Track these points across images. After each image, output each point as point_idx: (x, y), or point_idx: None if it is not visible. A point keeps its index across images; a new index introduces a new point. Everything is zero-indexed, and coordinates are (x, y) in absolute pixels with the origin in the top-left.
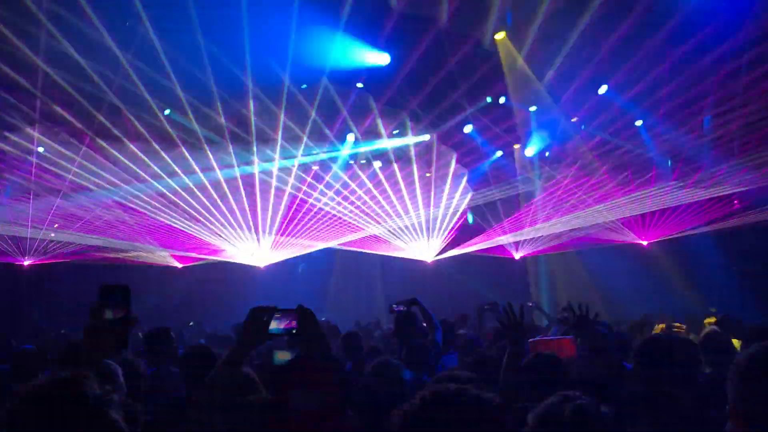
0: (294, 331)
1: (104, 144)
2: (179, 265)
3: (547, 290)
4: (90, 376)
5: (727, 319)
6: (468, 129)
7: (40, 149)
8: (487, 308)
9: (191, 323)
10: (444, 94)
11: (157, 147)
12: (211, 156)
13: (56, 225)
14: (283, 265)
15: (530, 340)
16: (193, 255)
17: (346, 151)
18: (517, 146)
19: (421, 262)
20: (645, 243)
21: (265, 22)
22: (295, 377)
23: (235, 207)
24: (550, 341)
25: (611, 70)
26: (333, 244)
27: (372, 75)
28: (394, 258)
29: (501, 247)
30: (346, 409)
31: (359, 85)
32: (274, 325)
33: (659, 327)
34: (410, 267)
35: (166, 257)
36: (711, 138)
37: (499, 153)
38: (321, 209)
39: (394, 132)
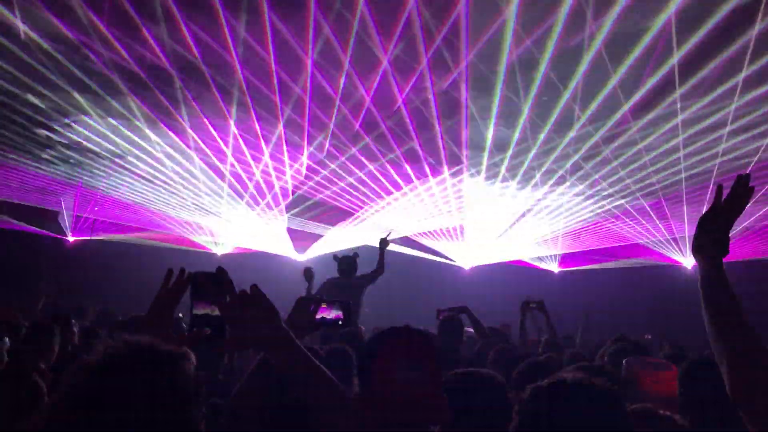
0: (340, 323)
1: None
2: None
3: None
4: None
5: None
6: None
7: None
8: (533, 306)
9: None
10: None
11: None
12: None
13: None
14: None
15: (631, 360)
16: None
17: None
18: None
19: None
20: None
21: None
22: (403, 348)
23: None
24: (659, 373)
25: None
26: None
27: None
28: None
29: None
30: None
31: None
32: (320, 316)
33: None
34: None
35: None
36: None
37: None
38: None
39: None
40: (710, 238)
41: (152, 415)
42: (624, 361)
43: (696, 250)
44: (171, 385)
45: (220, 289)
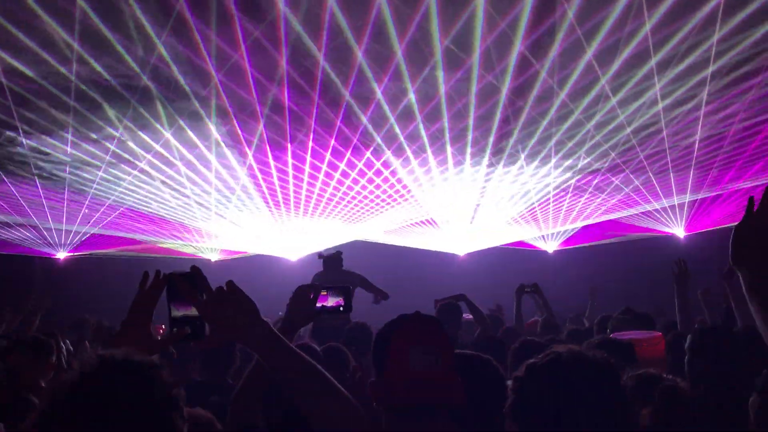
0: (341, 309)
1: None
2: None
3: None
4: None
5: None
6: None
7: None
8: (528, 290)
9: None
10: None
11: None
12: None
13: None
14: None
15: (615, 333)
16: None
17: None
18: None
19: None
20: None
21: None
22: (415, 332)
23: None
24: (640, 339)
25: None
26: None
27: None
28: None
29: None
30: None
31: None
32: (320, 304)
33: None
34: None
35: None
36: None
37: None
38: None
39: None
40: (751, 251)
41: (131, 428)
42: (610, 335)
43: (736, 262)
44: (147, 397)
45: (196, 287)
